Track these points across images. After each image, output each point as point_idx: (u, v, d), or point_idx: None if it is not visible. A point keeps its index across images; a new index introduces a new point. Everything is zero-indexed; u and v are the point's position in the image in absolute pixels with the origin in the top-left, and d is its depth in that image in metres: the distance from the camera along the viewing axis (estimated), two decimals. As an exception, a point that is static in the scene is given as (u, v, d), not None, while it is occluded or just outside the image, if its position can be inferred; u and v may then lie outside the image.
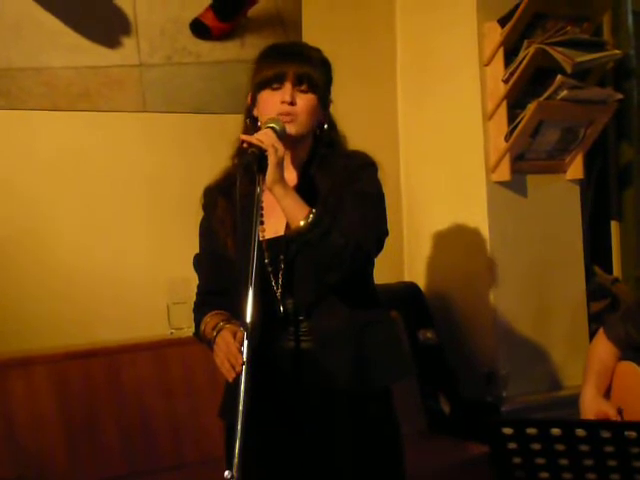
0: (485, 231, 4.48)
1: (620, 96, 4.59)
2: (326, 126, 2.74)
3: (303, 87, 2.66)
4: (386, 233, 2.68)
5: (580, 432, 2.28)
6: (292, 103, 2.64)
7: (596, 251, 5.01)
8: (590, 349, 3.43)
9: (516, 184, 4.52)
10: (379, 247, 2.66)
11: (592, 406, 3.28)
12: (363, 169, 2.70)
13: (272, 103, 2.65)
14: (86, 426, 3.64)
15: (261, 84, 2.67)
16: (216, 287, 2.76)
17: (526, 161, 4.52)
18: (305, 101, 2.66)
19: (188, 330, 3.78)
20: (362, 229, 2.58)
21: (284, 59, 2.68)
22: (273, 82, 2.65)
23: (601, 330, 3.43)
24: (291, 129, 2.63)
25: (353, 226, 2.57)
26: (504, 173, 4.43)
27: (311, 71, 2.66)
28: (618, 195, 5.09)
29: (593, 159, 4.97)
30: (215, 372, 2.58)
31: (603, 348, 3.38)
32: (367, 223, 2.61)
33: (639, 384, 3.28)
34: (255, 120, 2.71)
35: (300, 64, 2.66)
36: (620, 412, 3.26)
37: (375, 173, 2.72)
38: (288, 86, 2.65)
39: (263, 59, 2.71)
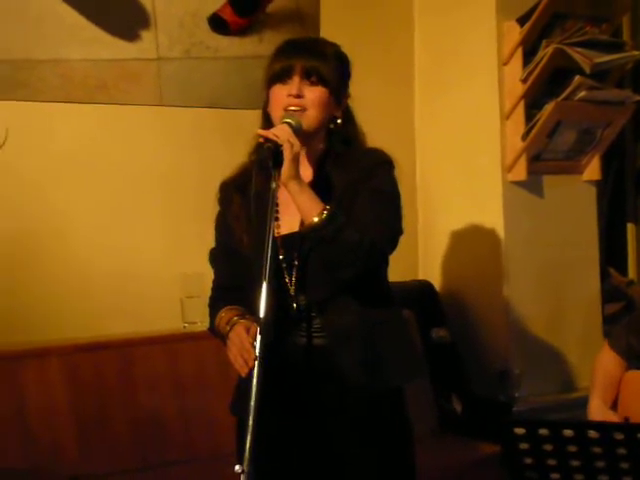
0: (500, 231, 4.47)
1: (638, 98, 4.57)
2: (339, 120, 2.73)
3: (312, 80, 2.65)
4: (401, 232, 2.67)
5: (592, 434, 2.28)
6: (299, 96, 2.63)
7: (611, 253, 5.00)
8: (595, 361, 3.45)
9: (532, 184, 4.50)
10: (393, 246, 2.65)
11: (598, 417, 3.28)
12: (379, 167, 2.68)
13: (281, 97, 2.64)
14: (98, 418, 3.65)
15: (271, 78, 2.67)
16: (231, 282, 2.76)
17: (543, 161, 4.51)
18: (314, 94, 2.64)
19: (201, 324, 3.79)
20: (377, 227, 2.58)
21: (293, 53, 2.67)
22: (282, 76, 2.65)
23: (606, 342, 3.44)
24: (303, 123, 2.62)
25: (368, 224, 2.56)
26: (520, 173, 4.42)
27: (320, 64, 2.65)
28: (634, 197, 5.08)
29: (610, 161, 4.96)
30: (227, 367, 2.59)
31: (608, 359, 3.40)
32: (382, 221, 2.60)
33: None
34: (268, 116, 2.71)
35: (308, 57, 2.65)
36: (627, 421, 3.26)
37: (391, 171, 2.71)
38: (296, 79, 2.64)
39: (275, 55, 2.71)
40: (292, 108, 2.62)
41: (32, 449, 3.52)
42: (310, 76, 2.65)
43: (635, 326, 3.42)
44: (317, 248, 2.57)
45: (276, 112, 2.65)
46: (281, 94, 2.65)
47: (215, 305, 2.76)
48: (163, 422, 3.74)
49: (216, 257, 2.83)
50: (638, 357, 3.39)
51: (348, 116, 2.76)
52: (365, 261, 2.56)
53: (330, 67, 2.67)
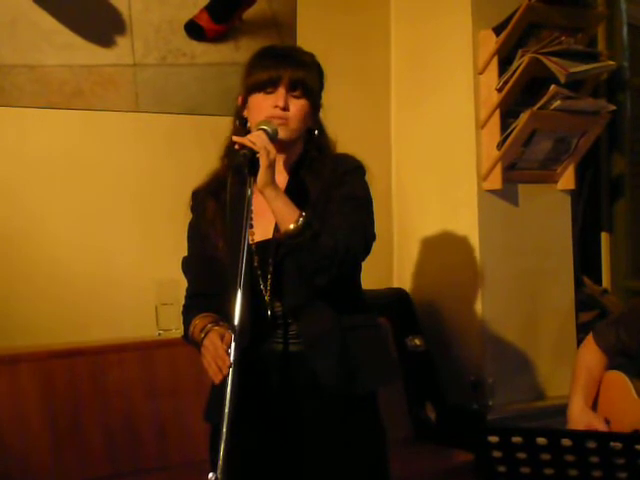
0: (475, 239, 4.48)
1: (613, 107, 4.59)
2: (316, 131, 2.74)
3: (297, 92, 2.66)
4: (374, 237, 2.68)
5: (566, 442, 2.28)
6: (285, 108, 2.63)
7: (586, 262, 5.01)
8: (577, 358, 3.42)
9: (507, 193, 4.52)
10: (367, 251, 2.66)
11: (581, 419, 3.28)
12: (351, 173, 2.70)
13: (264, 107, 2.64)
14: (71, 425, 3.62)
15: (254, 87, 2.67)
16: (205, 290, 2.75)
17: (518, 170, 4.52)
18: (298, 107, 2.65)
19: (176, 331, 3.77)
20: (350, 233, 2.58)
21: (279, 63, 2.67)
22: (267, 86, 2.65)
23: (589, 338, 3.42)
24: (282, 134, 2.63)
25: (341, 230, 2.57)
26: (496, 182, 4.43)
27: (305, 76, 2.66)
28: (609, 206, 5.10)
29: (585, 170, 4.98)
30: (202, 374, 2.58)
31: (591, 356, 3.38)
32: (355, 227, 2.61)
33: (627, 395, 3.28)
34: (245, 122, 2.71)
35: (295, 69, 2.66)
36: (608, 423, 3.26)
37: (363, 176, 2.72)
38: (282, 91, 2.65)
39: (257, 61, 2.71)
40: (276, 120, 2.62)
41: (4, 456, 3.48)
42: (295, 88, 2.65)
43: (626, 320, 3.38)
44: (292, 254, 2.58)
45: (257, 120, 2.65)
46: (265, 104, 2.64)
47: (189, 312, 2.75)
48: (137, 429, 3.72)
49: (189, 265, 2.82)
50: (624, 353, 3.37)
51: (320, 125, 2.77)
52: (339, 267, 2.56)
53: (313, 79, 2.69)
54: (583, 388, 3.35)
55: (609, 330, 3.39)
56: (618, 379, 3.32)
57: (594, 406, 3.35)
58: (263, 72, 2.66)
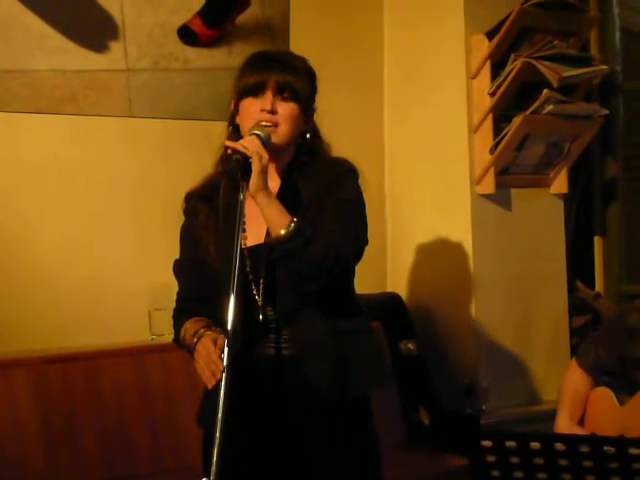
0: (468, 243, 4.48)
1: (606, 112, 4.60)
2: (309, 135, 2.74)
3: (285, 96, 2.66)
4: (366, 242, 2.69)
5: (559, 446, 2.28)
6: (272, 112, 2.64)
7: (579, 266, 5.02)
8: (563, 380, 3.50)
9: (500, 197, 4.52)
10: (359, 256, 2.67)
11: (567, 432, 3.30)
12: (344, 176, 2.70)
13: (253, 111, 2.65)
14: (64, 430, 3.62)
15: (243, 91, 2.67)
16: (196, 294, 2.75)
17: (511, 174, 4.53)
18: (286, 110, 2.65)
19: (169, 336, 3.72)
20: (343, 239, 2.59)
21: (266, 67, 2.67)
22: (254, 90, 2.65)
23: (573, 360, 3.48)
24: (274, 139, 2.63)
25: (334, 236, 2.57)
26: (489, 186, 4.43)
27: (293, 80, 2.66)
28: (602, 211, 5.11)
29: (578, 174, 4.98)
30: (195, 379, 2.58)
31: (576, 377, 3.43)
32: (348, 233, 2.61)
33: (611, 406, 3.32)
34: (237, 127, 2.71)
35: (282, 72, 2.66)
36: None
37: (356, 180, 2.72)
38: (269, 94, 2.65)
39: (246, 66, 2.72)
40: (264, 123, 2.62)
41: (-2, 461, 3.49)
42: (283, 92, 2.66)
43: (603, 338, 3.44)
44: (283, 260, 2.58)
45: (247, 125, 2.65)
46: (254, 108, 2.65)
47: (180, 317, 2.75)
48: (130, 434, 3.72)
49: (181, 268, 2.82)
50: (605, 371, 3.42)
51: (314, 130, 2.77)
52: (330, 273, 2.57)
53: (302, 82, 2.69)
54: (568, 406, 3.40)
55: (589, 350, 3.44)
56: (603, 394, 3.36)
57: (581, 423, 3.38)
58: (251, 76, 2.67)
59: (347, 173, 2.71)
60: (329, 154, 2.79)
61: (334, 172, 2.70)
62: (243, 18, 4.38)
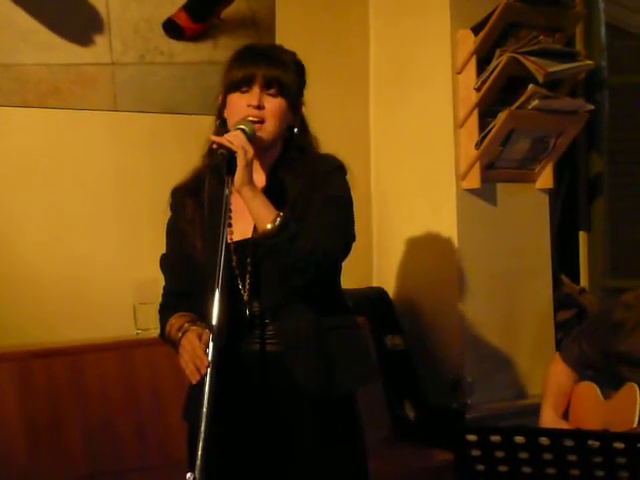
0: (454, 238, 4.49)
1: (591, 107, 4.61)
2: (296, 130, 2.73)
3: (272, 91, 2.65)
4: (354, 238, 2.69)
5: (544, 440, 2.29)
6: (260, 107, 2.63)
7: (564, 261, 5.03)
8: (547, 373, 3.50)
9: (486, 192, 4.53)
10: (346, 252, 2.67)
11: (551, 427, 3.31)
12: (332, 173, 2.70)
13: (240, 106, 2.64)
14: (49, 426, 3.60)
15: (230, 86, 2.67)
16: (182, 288, 2.75)
17: (496, 169, 4.53)
18: (274, 105, 2.65)
19: (155, 331, 3.73)
20: (330, 235, 2.59)
21: (253, 61, 2.67)
22: (242, 84, 2.65)
23: (556, 355, 3.50)
24: (260, 134, 2.62)
25: (321, 231, 2.57)
26: (474, 181, 4.44)
27: (281, 74, 2.66)
28: (587, 206, 5.12)
29: (563, 169, 4.99)
30: (181, 374, 2.57)
31: (560, 370, 3.45)
32: (335, 229, 2.61)
33: (595, 400, 3.33)
34: (224, 122, 2.71)
35: (269, 67, 2.65)
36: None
37: (344, 176, 2.72)
38: (256, 89, 2.64)
39: (235, 60, 2.71)
40: (251, 119, 2.62)
41: (-19, 457, 3.48)
42: (270, 87, 2.65)
43: (587, 332, 3.45)
44: (269, 255, 2.57)
45: (234, 120, 2.65)
46: (240, 103, 2.65)
47: (165, 311, 2.75)
48: (116, 429, 3.71)
49: (167, 263, 2.82)
50: (589, 365, 3.43)
51: (302, 124, 2.77)
52: (316, 269, 2.57)
53: (290, 77, 2.68)
54: (552, 400, 3.41)
55: (573, 344, 3.46)
56: (588, 388, 3.38)
57: (566, 417, 3.39)
58: (238, 71, 2.66)
59: (335, 170, 2.71)
60: (317, 149, 2.79)
61: (322, 169, 2.70)
62: (229, 12, 4.37)
